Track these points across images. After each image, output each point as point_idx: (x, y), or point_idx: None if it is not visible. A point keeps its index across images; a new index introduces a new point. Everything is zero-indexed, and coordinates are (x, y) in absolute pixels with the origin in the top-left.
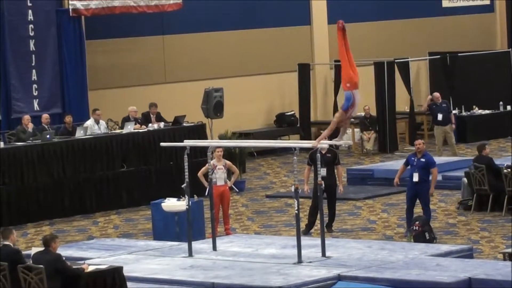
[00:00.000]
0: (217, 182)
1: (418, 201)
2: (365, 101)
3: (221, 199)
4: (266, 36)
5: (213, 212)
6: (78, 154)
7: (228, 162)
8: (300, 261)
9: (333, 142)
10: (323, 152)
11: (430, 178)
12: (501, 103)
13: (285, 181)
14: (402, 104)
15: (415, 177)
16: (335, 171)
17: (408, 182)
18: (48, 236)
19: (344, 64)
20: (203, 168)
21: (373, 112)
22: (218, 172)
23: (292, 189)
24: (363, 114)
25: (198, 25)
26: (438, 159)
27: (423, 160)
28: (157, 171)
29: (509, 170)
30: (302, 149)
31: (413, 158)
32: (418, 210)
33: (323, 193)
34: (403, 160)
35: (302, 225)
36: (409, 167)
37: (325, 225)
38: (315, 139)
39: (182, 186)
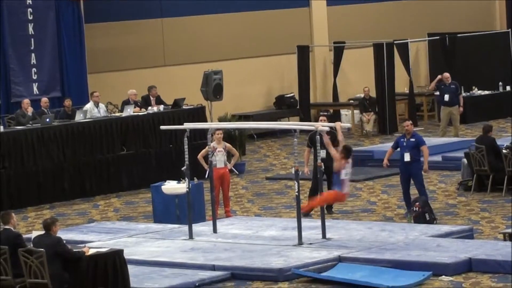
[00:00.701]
0: (217, 164)
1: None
2: (365, 83)
3: (221, 182)
4: (265, 18)
5: (213, 195)
6: (77, 138)
7: (228, 145)
8: (300, 243)
9: (332, 124)
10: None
11: (422, 159)
12: (500, 83)
13: (285, 163)
14: (401, 85)
15: (407, 157)
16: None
17: (400, 165)
18: (49, 220)
19: None
20: (203, 151)
21: (373, 94)
22: (218, 154)
23: (292, 171)
24: (362, 95)
25: (197, 7)
26: (438, 140)
27: (413, 140)
28: (157, 154)
29: (509, 150)
30: (302, 131)
31: (402, 140)
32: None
33: (322, 175)
34: None
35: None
36: (398, 149)
37: (325, 207)
38: (315, 121)
39: (182, 168)
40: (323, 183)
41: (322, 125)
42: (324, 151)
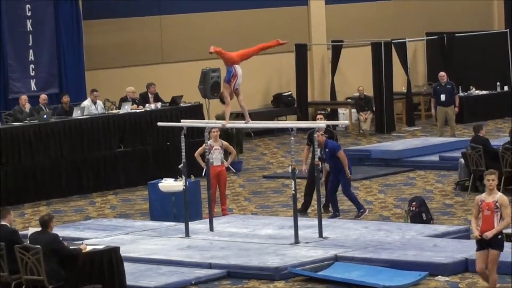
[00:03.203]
0: (214, 162)
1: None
2: (363, 82)
3: (218, 180)
4: (264, 16)
5: (210, 193)
6: (75, 134)
7: (225, 143)
8: (297, 241)
9: (316, 124)
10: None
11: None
12: (498, 83)
13: (282, 161)
14: (399, 84)
15: (327, 167)
16: None
17: None
18: (46, 217)
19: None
20: (200, 149)
21: (370, 93)
22: (215, 152)
23: (289, 169)
24: (357, 94)
25: (195, 5)
26: (436, 140)
27: (327, 150)
28: (154, 151)
29: (506, 150)
30: (299, 130)
31: (322, 152)
32: (415, 191)
33: (319, 173)
34: (401, 141)
35: (299, 206)
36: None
37: (321, 205)
38: (312, 120)
39: (179, 166)
40: (320, 182)
41: (228, 122)
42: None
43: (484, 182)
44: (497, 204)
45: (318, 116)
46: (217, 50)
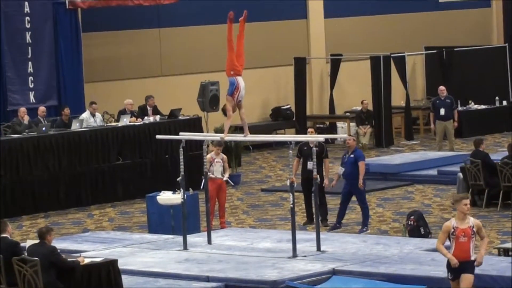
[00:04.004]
0: (216, 175)
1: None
2: (361, 95)
3: (219, 192)
4: (263, 29)
5: (209, 206)
6: (73, 147)
7: (224, 156)
8: (295, 255)
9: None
10: (311, 145)
11: None
12: (497, 98)
13: (280, 175)
14: (398, 98)
15: (341, 171)
16: (323, 164)
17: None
18: (44, 229)
19: (230, 53)
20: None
21: (369, 107)
22: (216, 165)
23: (288, 183)
24: (359, 108)
25: (194, 18)
26: (434, 154)
27: (352, 156)
28: (152, 164)
29: (504, 165)
30: (298, 143)
31: (345, 156)
32: (413, 205)
33: (318, 186)
34: (399, 155)
35: (297, 219)
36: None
37: (320, 219)
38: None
39: (178, 179)
40: (317, 195)
41: (227, 134)
42: (312, 162)
43: (458, 208)
44: (473, 229)
45: (309, 130)
46: (230, 18)
